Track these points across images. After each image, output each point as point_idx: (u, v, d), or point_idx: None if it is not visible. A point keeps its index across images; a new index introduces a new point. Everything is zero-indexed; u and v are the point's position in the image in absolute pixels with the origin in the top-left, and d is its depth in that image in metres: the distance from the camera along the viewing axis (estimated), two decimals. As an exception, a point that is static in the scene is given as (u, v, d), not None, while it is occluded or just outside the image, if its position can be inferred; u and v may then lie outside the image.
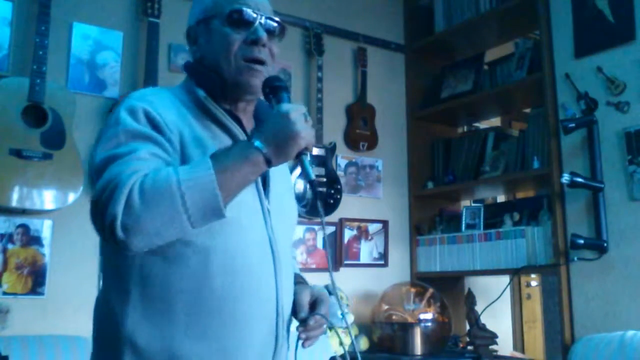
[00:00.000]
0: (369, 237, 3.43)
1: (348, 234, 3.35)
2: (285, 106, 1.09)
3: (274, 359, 1.22)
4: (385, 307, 3.13)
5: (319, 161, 3.20)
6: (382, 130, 3.54)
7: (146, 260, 1.10)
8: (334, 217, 3.28)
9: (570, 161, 2.77)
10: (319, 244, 3.25)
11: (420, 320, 3.01)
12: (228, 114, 1.24)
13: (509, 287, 3.13)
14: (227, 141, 1.22)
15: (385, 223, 3.50)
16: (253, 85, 1.23)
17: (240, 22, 1.23)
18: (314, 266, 3.20)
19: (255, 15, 1.23)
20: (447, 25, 3.56)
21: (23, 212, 2.41)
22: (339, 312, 2.92)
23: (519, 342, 4.18)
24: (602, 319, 2.58)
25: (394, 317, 3.08)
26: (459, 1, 3.51)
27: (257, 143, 1.06)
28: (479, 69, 3.46)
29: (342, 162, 3.40)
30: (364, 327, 3.18)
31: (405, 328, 2.98)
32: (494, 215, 3.30)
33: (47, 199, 2.38)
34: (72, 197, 2.42)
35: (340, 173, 3.35)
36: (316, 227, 3.24)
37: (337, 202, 3.24)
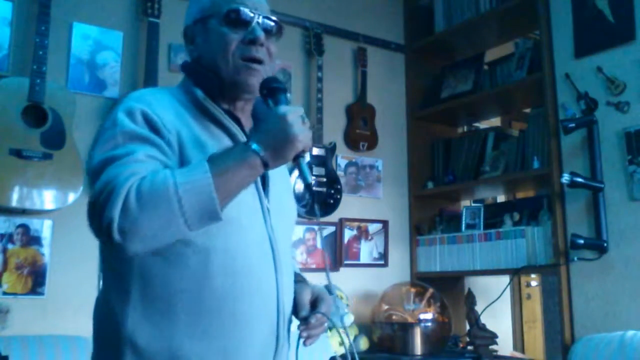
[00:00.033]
0: (369, 237, 3.43)
1: (348, 234, 3.35)
2: (282, 108, 1.09)
3: (275, 358, 1.22)
4: (385, 307, 3.13)
5: (319, 161, 3.20)
6: (382, 130, 3.54)
7: (146, 260, 1.10)
8: (334, 217, 3.28)
9: (570, 161, 2.77)
10: (319, 244, 3.25)
11: (420, 320, 3.01)
12: (226, 113, 1.24)
13: (509, 287, 3.13)
14: (226, 141, 1.22)
15: (385, 223, 3.50)
16: (251, 84, 1.22)
17: (238, 21, 1.23)
18: (314, 266, 3.19)
19: (252, 15, 1.23)
20: (447, 25, 3.56)
21: (23, 212, 2.41)
22: (339, 312, 2.93)
23: (519, 342, 4.18)
24: (602, 319, 2.58)
25: (394, 317, 3.08)
26: (459, 1, 3.51)
27: (254, 146, 1.06)
28: (479, 69, 3.46)
29: (342, 162, 3.40)
30: (364, 327, 3.18)
31: (405, 328, 2.98)
32: (494, 215, 3.30)
33: (47, 199, 2.38)
34: (72, 197, 2.42)
35: (340, 173, 3.35)
36: (316, 227, 3.24)
37: (337, 202, 3.24)
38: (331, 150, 3.27)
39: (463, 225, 3.31)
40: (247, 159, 1.05)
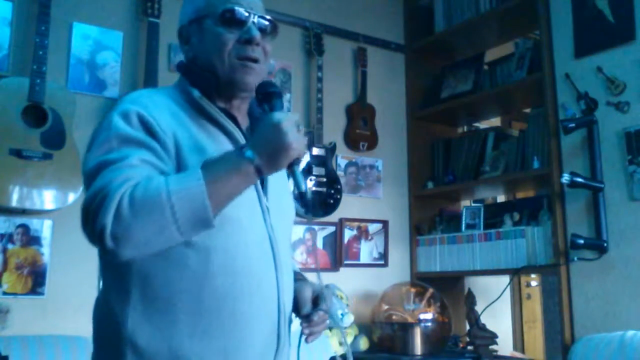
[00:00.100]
0: (369, 237, 3.43)
1: (348, 234, 3.35)
2: (277, 115, 1.08)
3: (276, 357, 1.22)
4: (385, 307, 3.13)
5: (319, 161, 3.20)
6: (382, 130, 3.54)
7: (146, 260, 1.10)
8: (334, 217, 3.28)
9: (570, 161, 2.77)
10: (319, 244, 3.25)
11: (420, 320, 3.01)
12: (223, 112, 1.24)
13: (509, 287, 3.13)
14: (223, 140, 1.22)
15: (385, 223, 3.50)
16: (247, 82, 1.23)
17: (233, 21, 1.23)
18: (313, 266, 3.19)
19: (247, 15, 1.23)
20: (447, 25, 3.56)
21: (23, 212, 2.41)
22: (339, 312, 2.93)
23: (519, 342, 4.18)
24: (602, 319, 2.58)
25: (394, 317, 3.08)
26: (459, 1, 3.51)
27: (248, 153, 1.05)
28: (479, 69, 3.46)
29: (342, 162, 3.40)
30: (364, 327, 3.18)
31: (405, 328, 2.98)
32: (494, 215, 3.30)
33: (47, 199, 2.38)
34: (72, 197, 2.42)
35: (340, 173, 3.35)
36: (316, 227, 3.24)
37: (337, 202, 3.24)
38: (331, 150, 3.27)
39: (463, 225, 3.31)
40: (241, 166, 1.05)
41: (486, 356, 2.92)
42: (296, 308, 1.31)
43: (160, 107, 1.18)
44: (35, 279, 2.45)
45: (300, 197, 1.18)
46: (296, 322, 1.32)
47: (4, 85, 2.39)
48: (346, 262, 3.33)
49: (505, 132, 3.47)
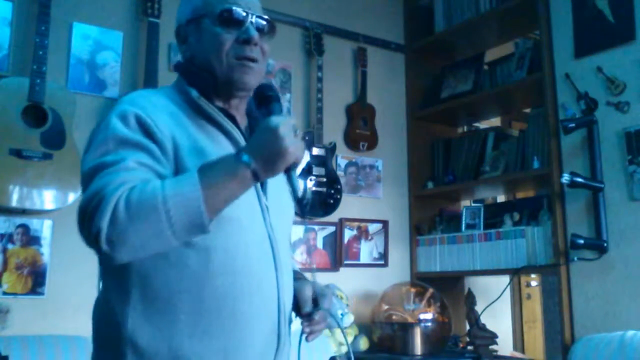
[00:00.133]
0: (369, 237, 3.43)
1: (348, 234, 3.35)
2: (274, 120, 1.07)
3: (276, 357, 1.22)
4: (385, 307, 3.13)
5: (319, 161, 3.20)
6: (382, 130, 3.54)
7: (146, 260, 1.10)
8: (334, 217, 3.28)
9: (570, 161, 2.77)
10: (319, 244, 3.25)
11: (420, 320, 3.01)
12: (222, 112, 1.24)
13: (509, 287, 3.13)
14: (222, 139, 1.22)
15: (385, 223, 3.50)
16: (246, 82, 1.23)
17: (231, 21, 1.23)
18: (314, 266, 3.19)
19: (245, 15, 1.24)
20: (447, 25, 3.56)
21: (23, 212, 2.41)
22: (339, 312, 2.93)
23: (519, 342, 4.18)
24: (602, 319, 2.58)
25: (394, 317, 3.08)
26: (459, 1, 3.51)
27: (244, 157, 1.05)
28: (479, 69, 3.46)
29: (342, 162, 3.40)
30: (364, 327, 3.18)
31: (405, 328, 2.98)
32: (494, 215, 3.30)
33: (47, 199, 2.38)
34: (72, 197, 2.42)
35: (340, 173, 3.35)
36: (316, 227, 3.24)
37: (337, 202, 3.24)
38: (331, 150, 3.27)
39: (463, 225, 3.31)
40: (237, 171, 1.04)
41: (486, 356, 2.92)
42: (296, 307, 1.31)
43: (158, 107, 1.18)
44: (35, 279, 2.45)
45: (296, 202, 1.18)
46: (296, 322, 1.32)
47: (4, 85, 2.39)
48: (346, 262, 3.33)
49: (505, 132, 3.47)
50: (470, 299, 3.05)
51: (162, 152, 1.12)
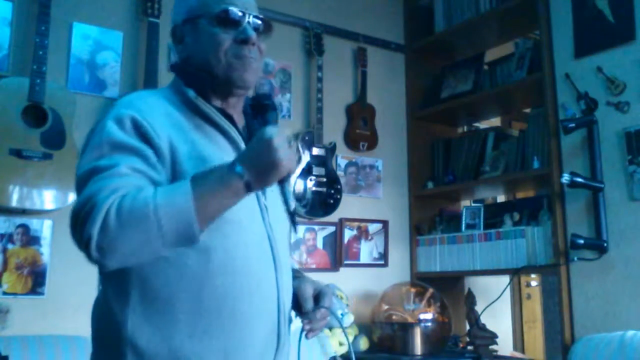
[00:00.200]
0: (369, 237, 3.43)
1: (348, 234, 3.35)
2: (269, 130, 1.06)
3: (276, 356, 1.22)
4: (385, 307, 3.13)
5: (319, 161, 3.20)
6: (382, 130, 3.54)
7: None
8: (334, 217, 3.28)
9: (570, 161, 2.77)
10: (319, 244, 3.25)
11: (420, 320, 3.01)
12: (219, 112, 1.25)
13: (509, 287, 3.13)
14: (220, 139, 1.22)
15: (385, 223, 3.50)
16: (245, 79, 1.23)
17: (229, 21, 1.23)
18: (314, 266, 3.20)
19: (243, 15, 1.24)
20: (447, 25, 3.56)
21: (23, 212, 2.41)
22: (339, 312, 2.93)
23: (519, 342, 4.18)
24: (602, 319, 2.58)
25: (394, 317, 3.08)
26: (459, 1, 3.51)
27: (238, 168, 1.04)
28: (479, 69, 3.46)
29: (342, 162, 3.40)
30: (364, 327, 3.18)
31: (405, 328, 2.98)
32: (494, 215, 3.30)
33: (47, 199, 2.38)
34: (72, 197, 2.42)
35: (340, 173, 3.35)
36: (316, 227, 3.24)
37: (337, 202, 3.24)
38: (331, 150, 3.27)
39: (463, 225, 3.31)
40: (230, 182, 1.04)
41: (486, 356, 2.92)
42: (296, 305, 1.31)
43: (155, 109, 1.18)
44: (35, 279, 2.45)
45: (288, 214, 1.19)
46: (296, 322, 1.32)
47: (4, 85, 2.39)
48: (346, 262, 3.33)
49: (505, 132, 3.47)
50: (470, 299, 3.05)
51: (158, 155, 1.12)
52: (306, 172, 3.14)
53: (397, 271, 3.49)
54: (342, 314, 2.96)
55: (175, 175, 1.13)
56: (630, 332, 2.42)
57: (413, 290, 3.19)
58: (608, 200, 2.62)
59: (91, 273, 2.56)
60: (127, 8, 2.84)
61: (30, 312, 2.42)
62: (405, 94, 3.73)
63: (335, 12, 3.51)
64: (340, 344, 2.91)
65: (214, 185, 1.04)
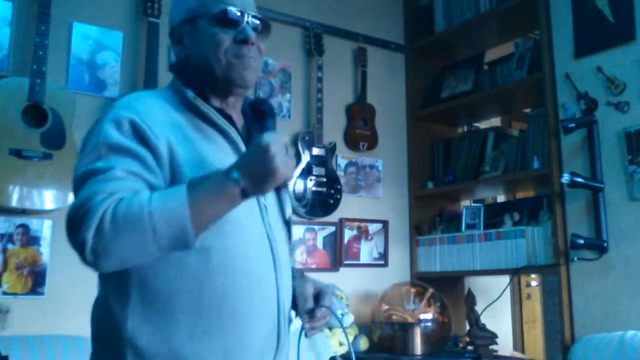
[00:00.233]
0: (369, 237, 3.43)
1: (348, 234, 3.35)
2: (266, 137, 1.05)
3: (276, 356, 1.22)
4: (385, 307, 3.13)
5: (319, 161, 3.20)
6: (382, 130, 3.54)
7: (145, 261, 1.10)
8: (334, 217, 3.28)
9: (570, 161, 2.77)
10: (319, 244, 3.25)
11: (420, 320, 3.01)
12: (218, 112, 1.25)
13: (509, 287, 3.13)
14: (219, 139, 1.23)
15: (385, 223, 3.50)
16: (246, 78, 1.24)
17: (228, 21, 1.23)
18: (314, 266, 3.20)
19: (242, 15, 1.24)
20: (447, 25, 3.56)
21: (23, 212, 2.41)
22: (339, 312, 2.93)
23: (519, 342, 4.18)
24: (602, 319, 2.58)
25: (394, 317, 3.08)
26: (459, 1, 3.51)
27: (234, 175, 1.04)
28: (479, 69, 3.46)
29: (342, 162, 3.40)
30: (364, 327, 3.18)
31: (405, 328, 2.98)
32: (494, 215, 3.30)
33: (47, 199, 2.38)
34: (72, 197, 2.40)
35: (340, 173, 3.35)
36: (316, 227, 3.24)
37: (337, 202, 3.24)
38: (331, 150, 3.27)
39: (463, 225, 3.31)
40: (226, 189, 1.04)
41: (486, 356, 2.92)
42: (296, 304, 1.31)
43: (153, 110, 1.18)
44: (35, 279, 2.45)
45: (284, 223, 1.19)
46: (296, 322, 1.32)
47: (4, 85, 2.39)
48: (346, 262, 3.33)
49: (505, 132, 3.47)
50: (470, 299, 3.05)
51: (156, 158, 1.12)
52: (306, 172, 3.14)
53: (397, 271, 3.49)
54: (342, 314, 2.96)
55: (174, 175, 1.13)
56: (630, 332, 2.42)
57: (413, 290, 3.19)
58: (608, 200, 2.62)
59: (91, 273, 2.55)
60: (127, 8, 2.84)
61: (30, 312, 2.42)
62: (405, 94, 3.73)
63: (335, 12, 3.51)
64: (340, 344, 2.91)
65: (210, 191, 1.04)
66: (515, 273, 3.01)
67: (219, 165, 1.16)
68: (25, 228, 2.45)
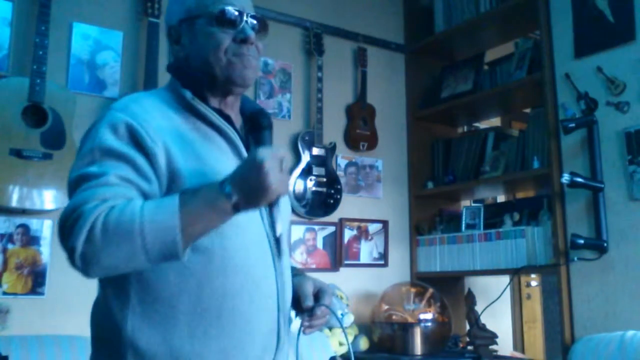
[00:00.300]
0: (369, 237, 3.43)
1: (348, 234, 3.35)
2: (261, 153, 1.03)
3: (276, 356, 1.22)
4: (385, 307, 3.13)
5: (319, 161, 3.20)
6: (382, 130, 3.54)
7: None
8: (334, 217, 3.28)
9: (570, 161, 2.77)
10: (319, 244, 3.25)
11: (420, 320, 3.01)
12: (217, 112, 1.25)
13: (509, 287, 3.13)
14: (217, 139, 1.22)
15: (385, 223, 3.50)
16: (246, 76, 1.24)
17: (227, 21, 1.23)
18: (314, 266, 3.20)
19: (241, 14, 1.24)
20: (447, 26, 3.56)
21: (23, 212, 2.41)
22: (339, 312, 2.93)
23: (519, 342, 4.18)
24: (602, 319, 2.58)
25: (394, 317, 3.08)
26: (459, 1, 3.51)
27: (227, 189, 1.03)
28: (479, 69, 3.46)
29: (342, 162, 3.40)
30: (364, 327, 3.18)
31: (405, 328, 2.98)
32: (494, 215, 3.30)
33: (47, 199, 2.38)
34: (72, 197, 2.42)
35: (340, 173, 3.35)
36: (316, 227, 3.24)
37: (337, 202, 3.24)
38: (331, 150, 3.27)
39: (463, 225, 3.31)
40: (218, 202, 1.03)
41: (486, 356, 2.92)
42: (296, 303, 1.31)
43: (151, 112, 1.17)
44: (35, 279, 2.45)
45: (274, 239, 1.20)
46: (296, 322, 1.32)
47: (4, 85, 2.39)
48: (346, 262, 3.33)
49: (505, 132, 3.47)
50: (470, 299, 3.05)
51: (152, 163, 1.12)
52: (306, 172, 3.14)
53: (397, 271, 3.49)
54: (342, 314, 2.96)
55: (172, 179, 1.12)
56: (630, 332, 2.42)
57: (413, 290, 3.19)
58: (608, 200, 2.62)
59: (91, 273, 2.58)
60: (127, 8, 2.84)
61: (30, 312, 2.42)
62: (405, 94, 3.73)
63: (335, 12, 3.51)
64: (340, 344, 2.91)
65: (202, 204, 1.04)
66: (515, 273, 3.01)
67: (217, 165, 1.16)
68: (25, 228, 2.45)
